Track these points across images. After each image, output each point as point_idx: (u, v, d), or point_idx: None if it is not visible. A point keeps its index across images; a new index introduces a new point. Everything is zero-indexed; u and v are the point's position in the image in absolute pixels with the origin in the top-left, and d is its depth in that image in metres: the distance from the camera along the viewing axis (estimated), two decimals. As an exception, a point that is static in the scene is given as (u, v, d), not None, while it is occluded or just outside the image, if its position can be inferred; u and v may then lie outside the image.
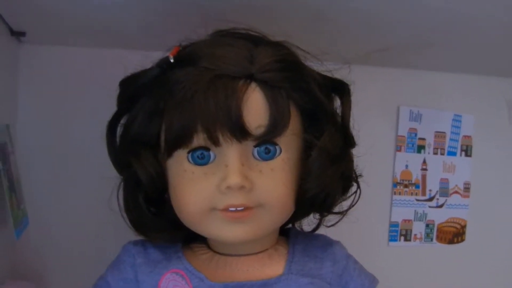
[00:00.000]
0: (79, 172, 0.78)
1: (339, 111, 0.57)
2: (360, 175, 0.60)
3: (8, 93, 0.73)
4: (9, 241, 0.68)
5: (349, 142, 0.57)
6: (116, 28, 0.69)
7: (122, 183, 0.57)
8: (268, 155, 0.51)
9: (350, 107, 0.57)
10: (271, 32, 0.55)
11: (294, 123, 0.52)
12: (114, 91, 0.58)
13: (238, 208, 0.50)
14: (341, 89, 0.57)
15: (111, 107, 0.58)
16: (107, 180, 0.58)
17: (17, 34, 0.71)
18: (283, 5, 0.60)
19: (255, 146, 0.51)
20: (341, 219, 0.59)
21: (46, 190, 0.77)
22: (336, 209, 0.58)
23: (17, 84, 0.76)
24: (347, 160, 0.57)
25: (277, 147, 0.51)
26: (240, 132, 0.48)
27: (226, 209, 0.50)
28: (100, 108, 0.58)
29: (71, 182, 0.78)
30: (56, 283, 0.76)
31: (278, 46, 0.53)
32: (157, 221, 0.56)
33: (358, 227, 0.75)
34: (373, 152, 0.74)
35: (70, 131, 0.77)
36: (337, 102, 0.58)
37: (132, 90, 0.55)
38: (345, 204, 0.59)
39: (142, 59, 0.56)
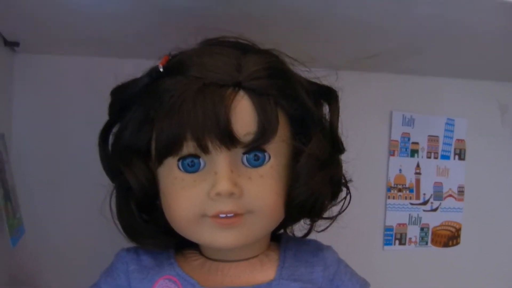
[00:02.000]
0: (74, 180, 0.78)
1: (328, 117, 0.58)
2: (350, 180, 0.60)
3: (3, 102, 0.74)
4: (5, 249, 0.68)
5: (337, 147, 0.57)
6: (110, 37, 0.70)
7: (115, 191, 0.58)
8: (257, 162, 0.51)
9: (338, 113, 0.57)
10: (262, 40, 0.55)
11: (283, 130, 0.52)
12: (108, 99, 0.58)
13: (228, 215, 0.50)
14: (329, 95, 0.57)
15: (106, 116, 0.59)
16: (102, 187, 0.59)
17: (10, 44, 0.71)
18: (275, 13, 0.60)
19: (244, 153, 0.51)
20: (331, 224, 0.59)
21: (42, 198, 0.77)
22: (327, 215, 0.58)
23: (11, 93, 0.76)
24: (336, 165, 0.57)
25: (266, 154, 0.52)
26: (229, 139, 0.49)
27: (216, 216, 0.50)
28: (94, 117, 0.58)
29: (67, 190, 0.78)
30: (52, 289, 0.77)
31: (266, 54, 0.54)
32: (149, 228, 0.57)
33: (353, 231, 0.76)
34: (367, 157, 0.75)
35: (64, 140, 0.78)
36: (326, 108, 0.58)
37: (123, 99, 0.56)
38: (336, 210, 0.60)
39: (136, 68, 0.56)
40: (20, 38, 0.71)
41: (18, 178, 0.69)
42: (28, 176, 0.76)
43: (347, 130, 0.59)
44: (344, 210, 0.59)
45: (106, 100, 0.58)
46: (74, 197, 0.78)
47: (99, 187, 0.58)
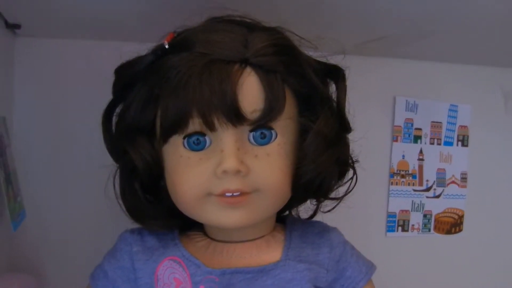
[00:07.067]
0: (75, 164, 0.78)
1: (334, 96, 0.57)
2: (357, 161, 0.60)
3: (4, 85, 0.73)
4: (6, 234, 0.68)
5: (344, 126, 0.57)
6: (112, 20, 0.69)
7: (118, 171, 0.57)
8: (263, 140, 0.51)
9: (345, 92, 0.57)
10: (269, 20, 0.55)
11: (290, 107, 0.52)
12: (110, 83, 0.57)
13: (234, 194, 0.50)
14: (336, 74, 0.57)
15: (107, 99, 0.58)
16: (104, 172, 0.58)
17: (12, 27, 0.71)
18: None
19: (250, 131, 0.50)
20: (337, 204, 0.59)
21: (43, 182, 0.77)
22: (333, 195, 0.58)
23: (13, 76, 0.76)
24: (343, 144, 0.57)
25: (272, 131, 0.51)
26: (235, 116, 0.48)
27: (222, 194, 0.50)
28: (96, 100, 0.57)
29: (68, 174, 0.78)
30: (53, 274, 0.76)
31: (273, 31, 0.53)
32: (153, 208, 0.56)
33: (356, 217, 0.76)
34: (370, 142, 0.74)
35: (66, 123, 0.78)
36: (333, 88, 0.58)
37: (127, 77, 0.55)
38: (342, 191, 0.59)
39: (138, 51, 0.55)
40: (22, 21, 0.70)
41: (19, 162, 0.69)
42: (30, 160, 0.76)
43: (352, 115, 0.58)
44: (350, 191, 0.59)
45: (107, 84, 0.57)
46: (76, 182, 0.78)
47: (101, 172, 0.58)
